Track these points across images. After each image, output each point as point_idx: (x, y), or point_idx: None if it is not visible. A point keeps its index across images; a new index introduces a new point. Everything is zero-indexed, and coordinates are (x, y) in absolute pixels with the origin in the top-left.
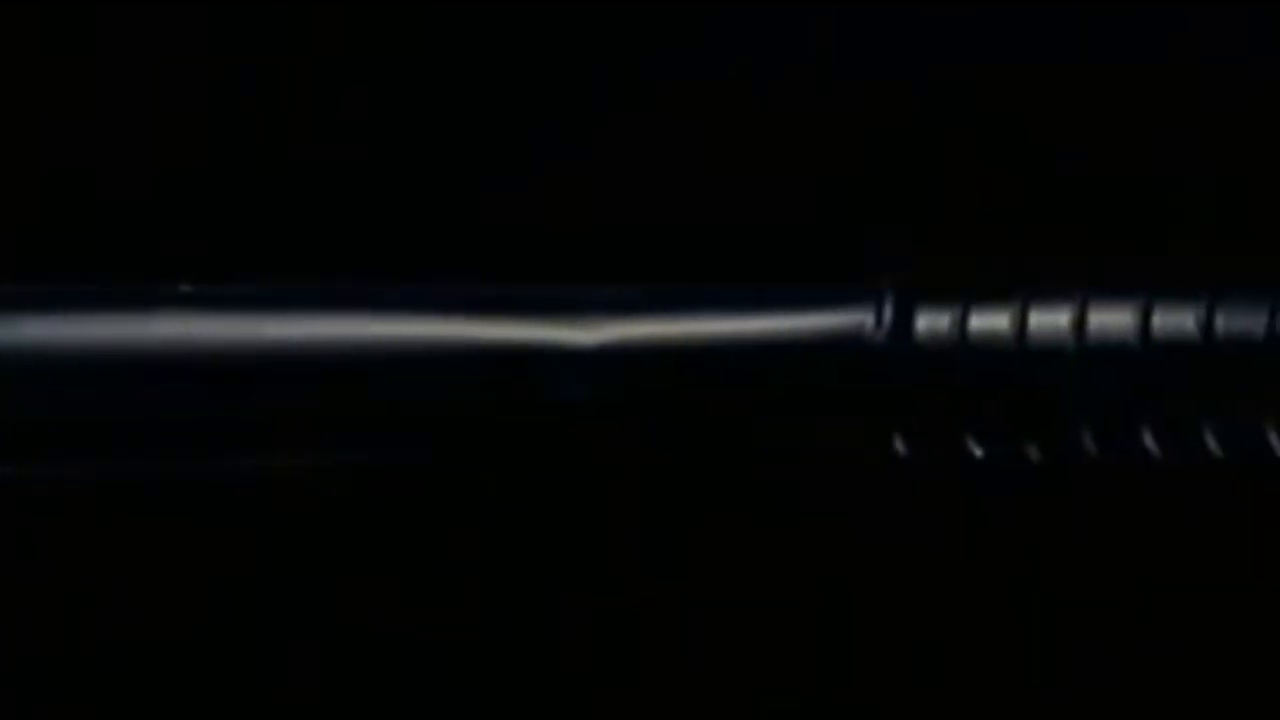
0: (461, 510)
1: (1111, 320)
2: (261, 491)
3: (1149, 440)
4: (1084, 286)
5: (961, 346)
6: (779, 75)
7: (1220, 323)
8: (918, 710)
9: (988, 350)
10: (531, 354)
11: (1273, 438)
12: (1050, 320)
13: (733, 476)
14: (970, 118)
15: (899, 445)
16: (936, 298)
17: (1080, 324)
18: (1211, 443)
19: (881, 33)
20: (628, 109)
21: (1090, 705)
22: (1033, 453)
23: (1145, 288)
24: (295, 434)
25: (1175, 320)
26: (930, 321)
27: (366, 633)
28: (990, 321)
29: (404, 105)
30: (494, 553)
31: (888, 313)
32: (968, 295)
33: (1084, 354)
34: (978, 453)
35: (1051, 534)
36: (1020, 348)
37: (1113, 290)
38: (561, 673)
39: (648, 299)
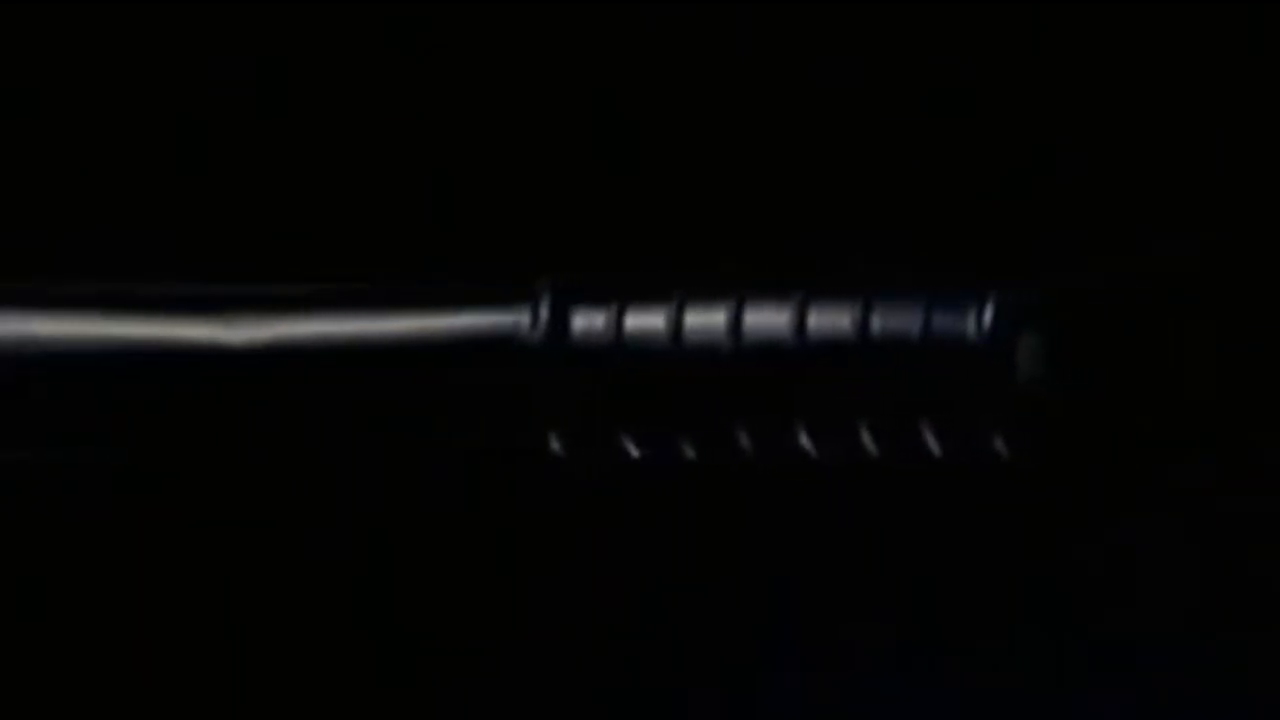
0: (102, 505)
1: (767, 320)
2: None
3: (804, 439)
4: (739, 287)
5: (617, 346)
6: (433, 75)
7: (875, 323)
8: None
9: (643, 350)
10: (181, 352)
11: (927, 435)
12: (706, 320)
13: (395, 473)
14: (626, 120)
15: (555, 444)
16: (592, 298)
17: (736, 324)
18: (867, 440)
19: (527, 30)
20: (285, 109)
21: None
22: (689, 451)
23: (801, 288)
24: None
25: (830, 320)
26: (586, 321)
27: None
28: (646, 321)
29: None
30: (140, 546)
31: (543, 313)
32: (624, 295)
33: (739, 354)
34: (634, 452)
35: (706, 532)
36: (676, 347)
37: (768, 291)
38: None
39: (301, 298)
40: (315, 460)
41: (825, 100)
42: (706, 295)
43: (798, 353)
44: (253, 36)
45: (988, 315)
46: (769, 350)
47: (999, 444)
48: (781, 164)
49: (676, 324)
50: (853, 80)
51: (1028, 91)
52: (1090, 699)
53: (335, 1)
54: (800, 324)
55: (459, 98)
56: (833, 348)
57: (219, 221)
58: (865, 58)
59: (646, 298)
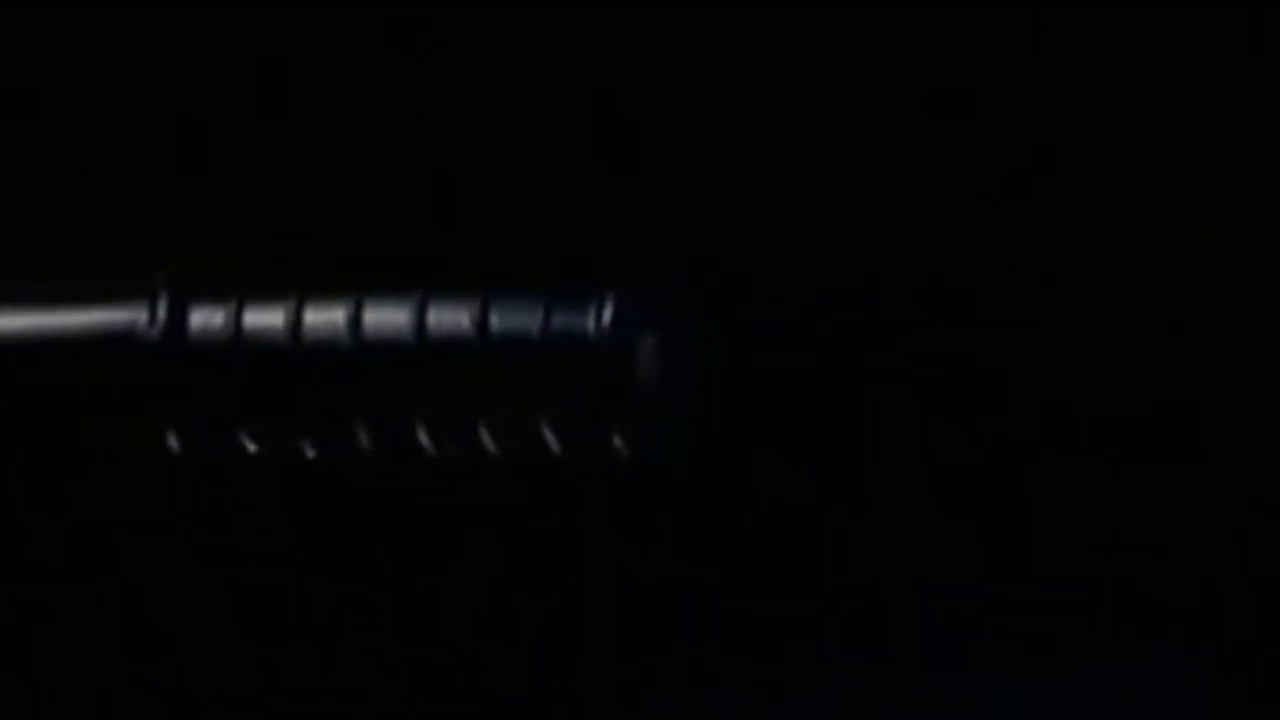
0: None
1: (386, 318)
2: None
3: (423, 437)
4: (359, 286)
5: (235, 344)
6: (44, 73)
7: (495, 322)
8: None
9: (262, 348)
10: None
11: (547, 434)
12: (325, 319)
13: (9, 468)
14: (251, 120)
15: (173, 442)
16: (211, 295)
17: (355, 322)
18: (486, 438)
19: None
20: None
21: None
22: (308, 450)
23: (420, 286)
24: None
25: (449, 319)
26: (204, 319)
27: None
28: (265, 319)
29: None
30: None
31: (161, 310)
32: (242, 293)
33: (359, 351)
34: (252, 449)
35: (325, 530)
36: (295, 345)
37: (388, 288)
38: None
39: None
40: None
41: (453, 102)
42: (326, 292)
43: (417, 350)
44: None
45: (607, 315)
46: (388, 348)
47: (618, 442)
48: (403, 161)
49: (295, 321)
50: (478, 83)
51: (644, 96)
52: (722, 695)
53: None
54: (420, 322)
55: (78, 95)
56: (452, 346)
57: None
58: (493, 61)
59: (265, 295)
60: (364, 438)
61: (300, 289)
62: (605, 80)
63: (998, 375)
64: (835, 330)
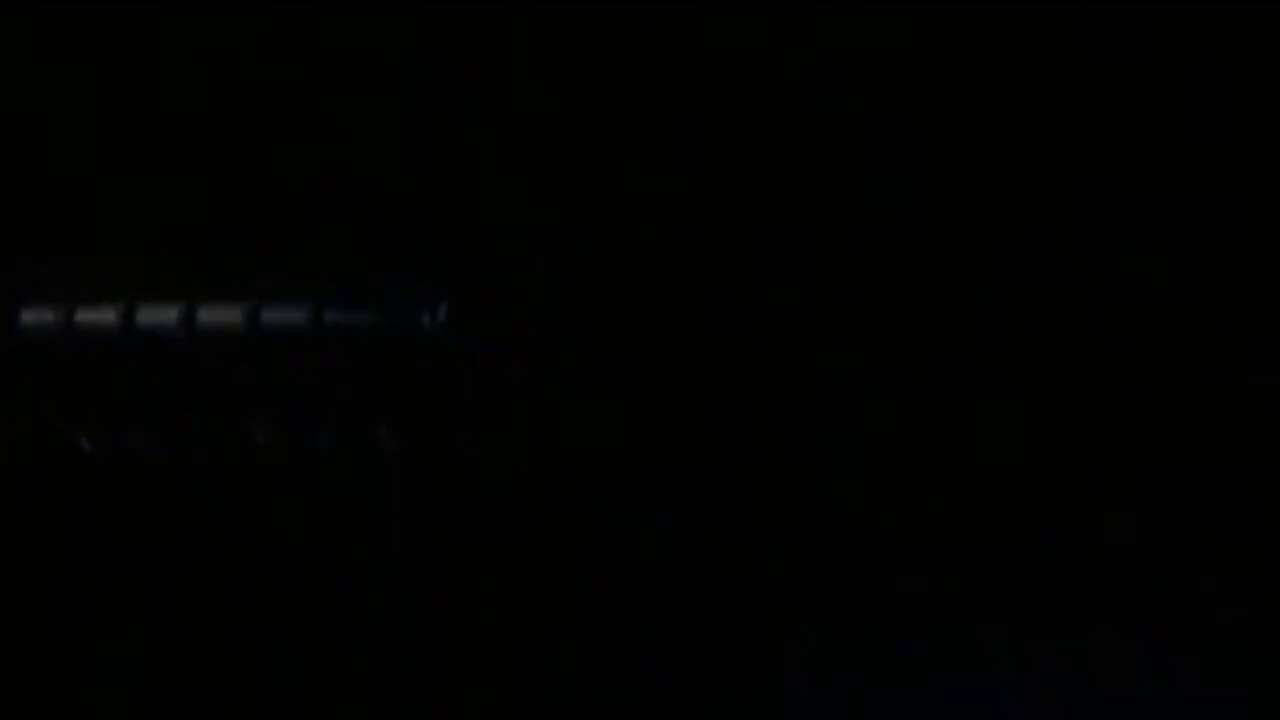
0: None
1: (220, 318)
2: None
3: (260, 432)
4: (191, 286)
5: (68, 341)
6: None
7: (330, 319)
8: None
9: (94, 345)
10: None
11: (382, 430)
12: (158, 316)
13: None
14: (92, 119)
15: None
16: (42, 294)
17: (188, 322)
18: (323, 435)
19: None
20: None
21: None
22: (140, 445)
23: (255, 285)
24: None
25: (284, 316)
26: (37, 317)
27: None
28: (97, 317)
29: None
30: None
31: None
32: (75, 292)
33: (192, 352)
34: (87, 447)
35: (159, 526)
36: (127, 344)
37: (221, 289)
38: None
39: None
40: None
41: (290, 106)
42: (159, 293)
43: (250, 352)
44: None
45: (440, 316)
46: (221, 348)
47: (453, 440)
48: (237, 164)
49: (128, 321)
50: (316, 89)
51: (477, 105)
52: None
53: None
54: (254, 322)
55: None
56: (286, 346)
57: None
58: (331, 68)
59: (98, 294)
60: (199, 435)
61: (134, 289)
62: (442, 89)
63: (831, 371)
64: (667, 330)
